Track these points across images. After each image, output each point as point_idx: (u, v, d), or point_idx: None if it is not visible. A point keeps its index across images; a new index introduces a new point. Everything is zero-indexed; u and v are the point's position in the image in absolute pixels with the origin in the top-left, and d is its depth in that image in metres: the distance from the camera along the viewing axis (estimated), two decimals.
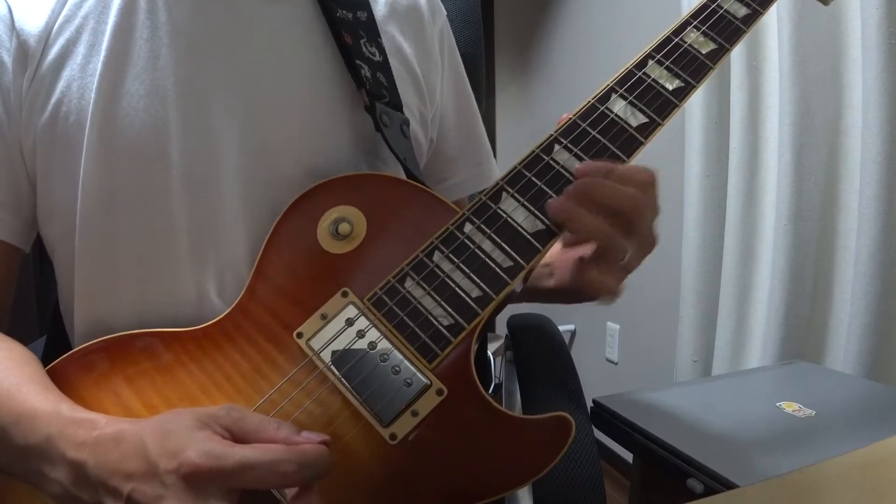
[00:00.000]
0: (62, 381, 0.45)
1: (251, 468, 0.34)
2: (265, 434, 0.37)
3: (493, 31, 2.32)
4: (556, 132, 0.50)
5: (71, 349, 0.48)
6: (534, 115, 2.32)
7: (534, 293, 0.61)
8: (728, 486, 0.63)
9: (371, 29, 0.60)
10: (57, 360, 0.47)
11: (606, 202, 0.45)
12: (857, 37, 1.07)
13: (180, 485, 0.34)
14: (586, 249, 0.49)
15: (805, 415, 0.76)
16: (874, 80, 0.99)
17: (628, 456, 0.82)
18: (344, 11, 0.58)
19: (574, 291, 0.55)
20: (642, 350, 1.84)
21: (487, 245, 0.47)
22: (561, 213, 0.46)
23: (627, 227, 0.46)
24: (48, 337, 0.68)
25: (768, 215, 1.26)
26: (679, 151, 1.44)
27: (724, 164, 1.33)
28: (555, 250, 0.51)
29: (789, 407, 0.78)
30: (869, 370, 1.02)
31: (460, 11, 0.86)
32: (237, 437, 0.37)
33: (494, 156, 0.76)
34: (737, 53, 1.25)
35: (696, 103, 1.34)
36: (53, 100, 0.51)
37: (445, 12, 0.69)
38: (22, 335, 0.52)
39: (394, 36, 0.63)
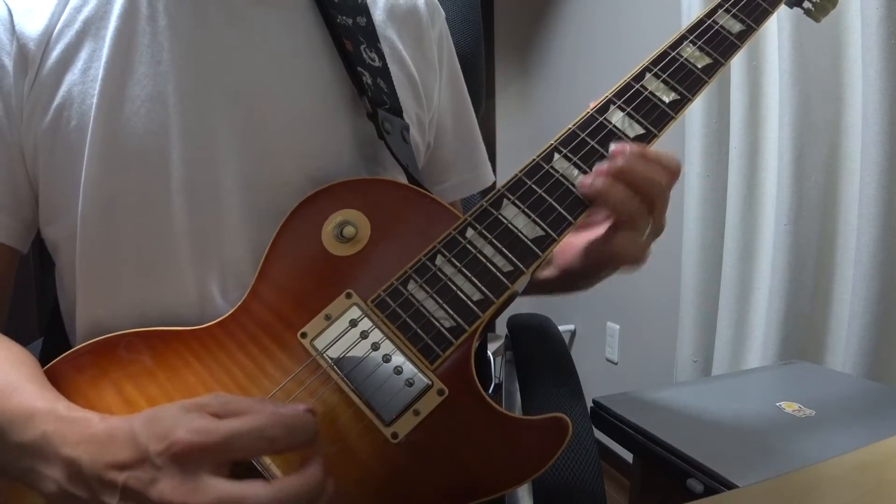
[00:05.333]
0: (61, 381, 0.45)
1: (239, 437, 0.35)
2: (251, 411, 0.37)
3: (493, 31, 2.31)
4: (556, 141, 0.51)
5: (69, 350, 0.47)
6: (534, 116, 2.32)
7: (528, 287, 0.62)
8: (728, 486, 0.63)
9: (370, 34, 0.60)
10: (55, 360, 0.46)
11: (639, 182, 0.47)
12: (857, 37, 1.07)
13: (172, 465, 0.35)
14: (600, 230, 0.51)
15: (805, 415, 0.76)
16: (874, 80, 0.99)
17: (628, 456, 0.82)
18: (344, 17, 0.58)
19: (578, 274, 0.56)
20: (642, 350, 1.84)
21: (488, 250, 0.48)
22: (591, 189, 0.47)
23: (649, 208, 0.48)
24: (45, 338, 0.68)
25: (768, 215, 1.26)
26: (679, 151, 1.44)
27: (724, 164, 1.33)
28: None
29: (789, 407, 0.79)
30: (869, 370, 1.02)
31: (460, 11, 0.86)
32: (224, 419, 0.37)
33: (494, 157, 0.76)
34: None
35: (696, 103, 1.33)
36: (55, 105, 0.51)
37: (444, 14, 0.69)
38: (22, 336, 0.52)
39: (393, 40, 0.63)
